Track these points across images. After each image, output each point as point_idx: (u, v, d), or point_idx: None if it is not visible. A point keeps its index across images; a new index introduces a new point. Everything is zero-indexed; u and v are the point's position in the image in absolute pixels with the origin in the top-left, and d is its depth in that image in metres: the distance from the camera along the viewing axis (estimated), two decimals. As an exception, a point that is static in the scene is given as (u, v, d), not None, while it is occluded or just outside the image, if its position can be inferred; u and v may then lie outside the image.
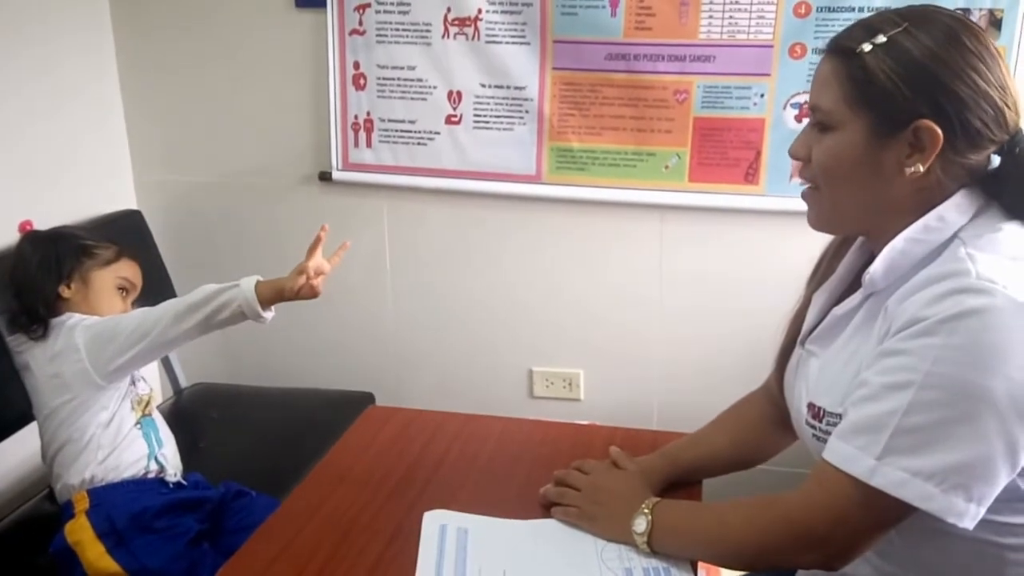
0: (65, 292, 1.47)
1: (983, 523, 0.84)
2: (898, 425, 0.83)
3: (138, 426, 1.47)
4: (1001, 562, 0.90)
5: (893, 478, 0.83)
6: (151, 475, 1.43)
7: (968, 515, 0.83)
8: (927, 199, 0.90)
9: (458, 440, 1.36)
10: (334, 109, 2.12)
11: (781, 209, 1.97)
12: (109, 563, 1.26)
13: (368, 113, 2.11)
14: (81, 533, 1.28)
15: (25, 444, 1.60)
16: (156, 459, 1.46)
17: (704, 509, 1.07)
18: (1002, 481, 0.84)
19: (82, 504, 1.32)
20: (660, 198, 2.02)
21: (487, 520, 1.13)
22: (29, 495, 1.65)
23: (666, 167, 2.01)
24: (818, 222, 1.01)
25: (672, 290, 2.11)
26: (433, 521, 1.13)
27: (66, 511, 1.34)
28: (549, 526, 1.12)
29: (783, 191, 1.96)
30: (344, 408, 1.87)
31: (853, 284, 1.01)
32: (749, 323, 2.06)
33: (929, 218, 0.89)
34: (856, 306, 0.97)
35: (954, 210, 0.89)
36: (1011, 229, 0.89)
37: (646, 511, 1.02)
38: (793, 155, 1.00)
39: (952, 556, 0.91)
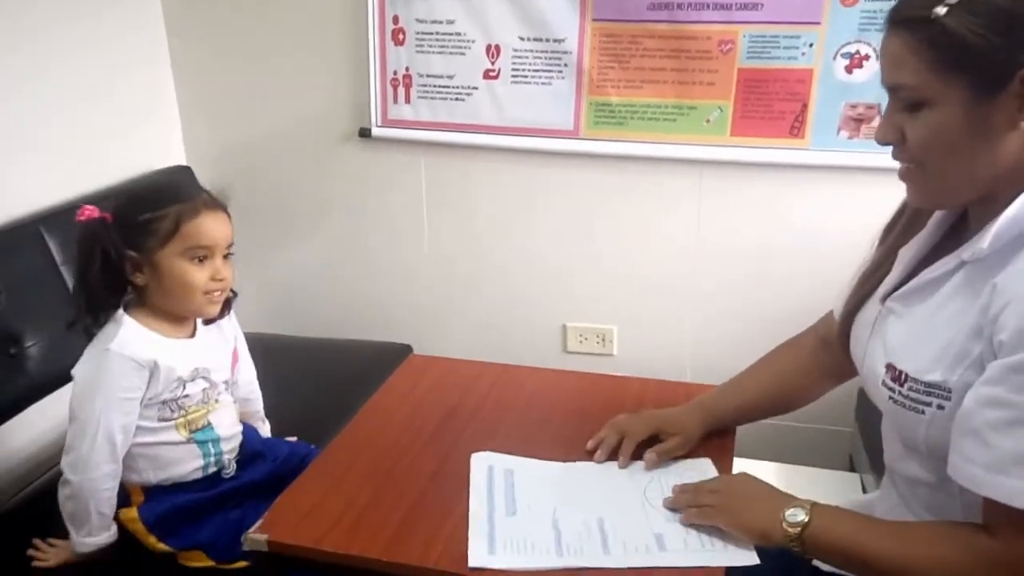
0: (139, 279, 1.28)
1: None
2: None
3: (190, 440, 1.33)
4: None
5: None
6: (209, 473, 1.36)
7: None
8: None
9: (495, 388, 1.39)
10: (374, 65, 2.11)
11: (827, 164, 1.92)
12: (161, 546, 1.29)
13: (407, 68, 2.10)
14: (134, 524, 1.30)
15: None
16: (213, 463, 1.36)
17: (878, 528, 0.96)
18: None
19: (137, 497, 1.31)
20: (700, 153, 1.99)
21: (531, 461, 1.17)
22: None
23: (707, 121, 1.97)
24: (926, 200, 0.95)
25: (709, 247, 2.08)
26: (481, 462, 1.17)
27: (123, 493, 1.31)
28: (591, 468, 1.16)
29: (830, 145, 1.91)
30: (383, 359, 1.90)
31: (943, 242, 0.97)
32: (786, 281, 2.04)
33: None
34: (951, 270, 0.91)
35: None
36: None
37: (802, 511, 0.95)
38: (883, 141, 0.93)
39: None
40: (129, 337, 1.26)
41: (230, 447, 1.38)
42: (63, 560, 1.31)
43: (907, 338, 0.94)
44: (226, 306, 1.36)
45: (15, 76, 1.79)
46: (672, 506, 1.06)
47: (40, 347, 1.65)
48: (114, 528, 1.29)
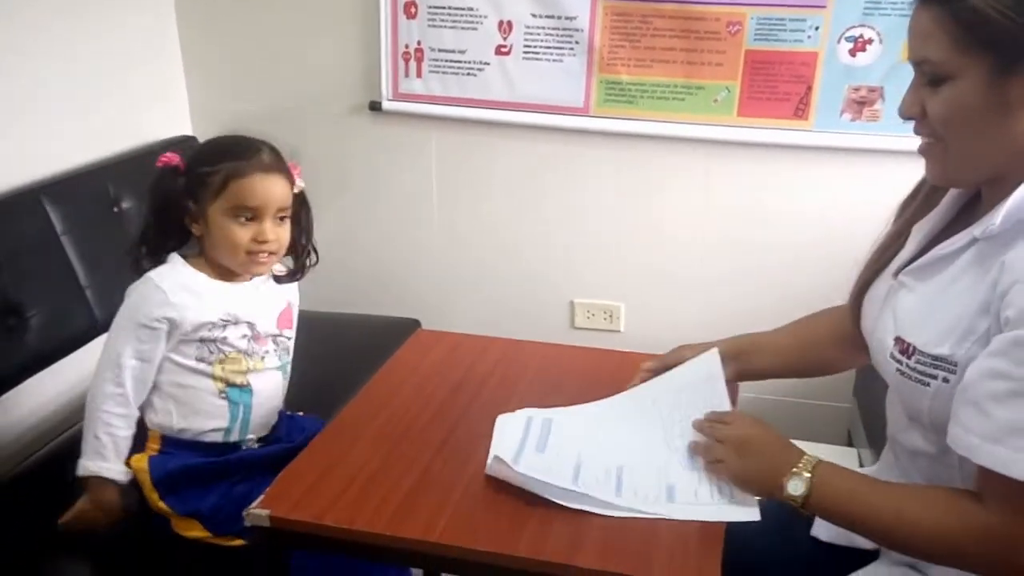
0: (196, 229, 1.30)
1: None
2: None
3: (223, 395, 1.31)
4: None
5: None
6: (230, 440, 1.34)
7: None
8: None
9: (502, 362, 1.40)
10: (385, 38, 2.13)
11: (830, 145, 1.96)
12: (161, 504, 1.29)
13: (419, 42, 2.12)
14: (142, 474, 1.29)
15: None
16: (237, 430, 1.34)
17: (876, 488, 0.97)
18: None
19: (153, 444, 1.31)
20: (708, 132, 2.02)
21: (569, 409, 1.22)
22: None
23: (715, 101, 2.00)
24: (945, 177, 0.96)
25: (716, 225, 2.12)
26: (517, 417, 1.20)
27: (142, 437, 1.31)
28: (626, 406, 1.22)
29: (833, 127, 1.94)
30: (391, 333, 1.91)
31: (957, 220, 0.99)
32: (792, 260, 2.08)
33: None
34: (963, 247, 0.93)
35: None
36: None
37: (805, 472, 0.96)
38: (906, 115, 0.94)
39: None
40: (170, 272, 1.29)
41: (260, 422, 1.36)
42: (75, 515, 1.29)
43: (917, 312, 0.96)
44: (294, 273, 1.39)
45: (18, 43, 1.76)
46: (693, 453, 1.09)
47: (40, 318, 1.64)
48: (110, 468, 1.27)
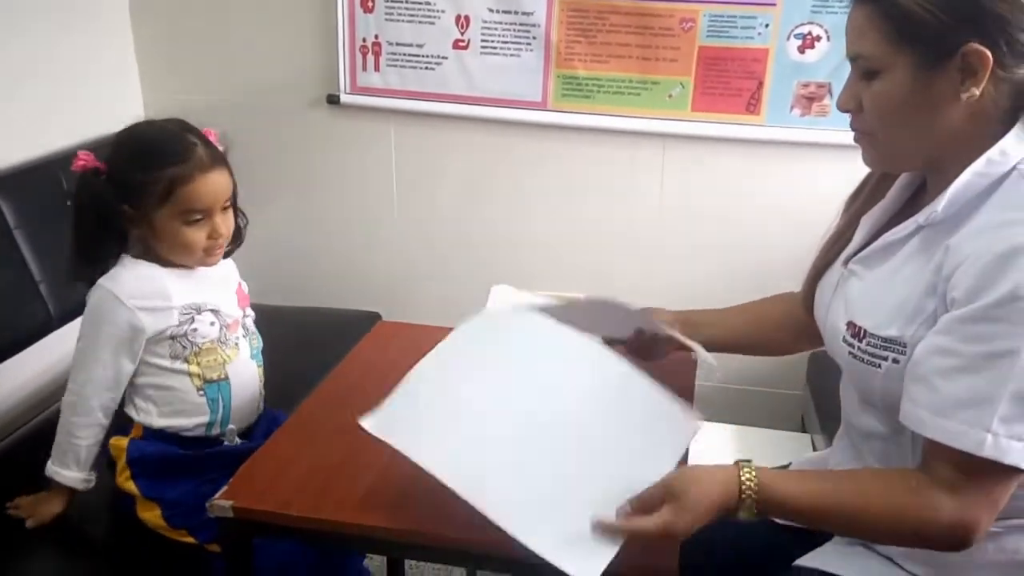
0: (136, 233, 1.27)
1: None
2: (1009, 395, 0.84)
3: (201, 393, 1.31)
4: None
5: (1013, 448, 0.84)
6: (211, 434, 1.34)
7: None
8: (983, 122, 0.91)
9: None
10: (342, 31, 2.13)
11: (780, 139, 2.01)
12: (129, 484, 1.29)
13: (376, 36, 2.13)
14: (118, 452, 1.30)
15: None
16: (218, 423, 1.33)
17: (824, 484, 0.96)
18: None
19: (136, 432, 1.31)
20: (663, 127, 2.06)
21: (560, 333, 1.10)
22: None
23: (670, 96, 2.04)
24: (877, 163, 1.02)
25: (672, 217, 2.16)
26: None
27: (125, 423, 1.31)
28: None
29: (783, 122, 2.00)
30: (351, 327, 1.91)
31: (903, 209, 1.04)
32: (747, 250, 2.13)
33: (993, 151, 0.90)
34: (909, 234, 0.97)
35: (1015, 141, 0.90)
36: None
37: (749, 500, 0.91)
38: (843, 108, 1.00)
39: None
40: (124, 277, 1.26)
41: (240, 413, 1.35)
42: (27, 504, 1.31)
43: (867, 297, 1.00)
44: (234, 241, 1.36)
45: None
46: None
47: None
48: (68, 476, 1.28)
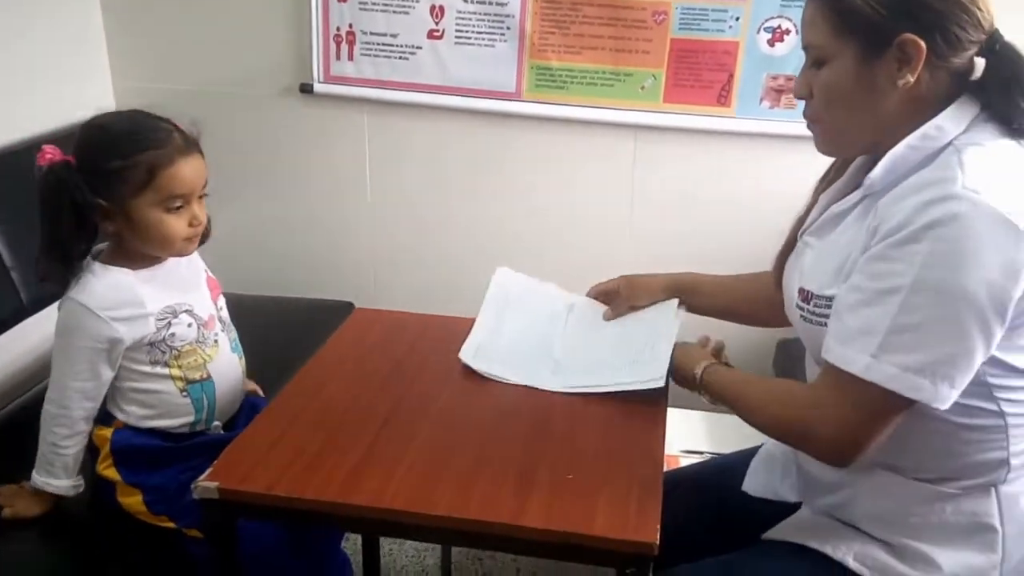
0: (110, 228, 1.23)
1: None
2: (890, 326, 0.92)
3: (185, 394, 1.30)
4: (954, 439, 1.00)
5: (887, 373, 0.92)
6: (197, 429, 1.34)
7: (949, 399, 0.93)
8: (922, 107, 0.97)
9: (442, 340, 1.42)
10: (316, 20, 2.13)
11: (751, 131, 2.05)
12: (111, 471, 1.29)
13: (350, 25, 2.13)
14: (101, 441, 1.29)
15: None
16: (203, 420, 1.33)
17: (749, 381, 1.15)
18: (976, 368, 0.93)
19: (118, 424, 1.30)
20: (635, 118, 2.09)
21: (544, 289, 1.59)
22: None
23: (642, 88, 2.06)
24: (826, 147, 1.09)
25: (643, 208, 2.20)
26: (503, 280, 1.58)
27: (105, 414, 1.30)
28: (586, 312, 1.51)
29: (753, 114, 2.04)
30: (325, 316, 1.93)
31: (856, 186, 1.09)
32: (718, 241, 2.17)
33: (928, 127, 0.96)
34: (854, 204, 1.05)
35: (951, 119, 0.97)
36: (1003, 141, 0.96)
37: (703, 384, 1.17)
38: (797, 95, 1.07)
39: (915, 433, 1.01)
40: (95, 287, 1.22)
41: (225, 408, 1.35)
42: (17, 506, 1.29)
43: (815, 263, 1.08)
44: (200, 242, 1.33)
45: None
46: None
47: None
48: (56, 484, 1.27)
